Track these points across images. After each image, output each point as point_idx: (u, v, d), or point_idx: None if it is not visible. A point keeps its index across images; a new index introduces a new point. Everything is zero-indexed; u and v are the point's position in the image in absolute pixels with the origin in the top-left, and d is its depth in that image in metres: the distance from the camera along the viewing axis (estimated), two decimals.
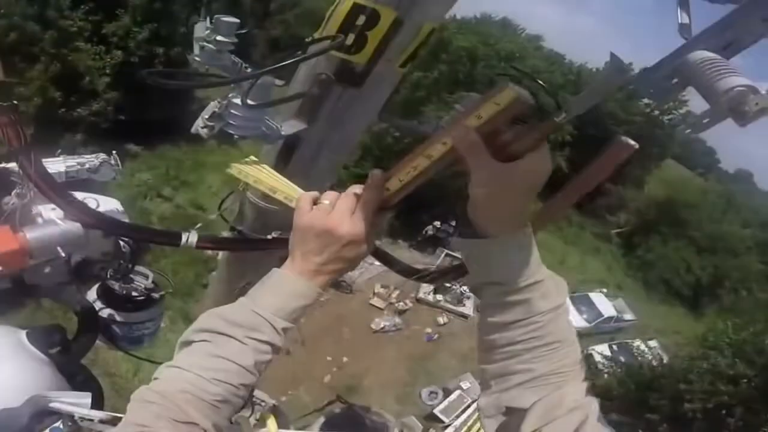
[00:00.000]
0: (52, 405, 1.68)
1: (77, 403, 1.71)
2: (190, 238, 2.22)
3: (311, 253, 1.30)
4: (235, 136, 1.91)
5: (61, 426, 1.68)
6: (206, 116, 1.88)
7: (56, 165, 2.44)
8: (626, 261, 31.51)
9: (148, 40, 21.56)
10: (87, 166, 2.52)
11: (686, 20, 1.41)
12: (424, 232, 24.00)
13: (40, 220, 1.99)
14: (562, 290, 1.24)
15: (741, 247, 32.41)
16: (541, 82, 1.45)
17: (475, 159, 1.09)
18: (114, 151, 2.63)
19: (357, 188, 1.32)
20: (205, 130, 1.91)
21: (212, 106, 1.87)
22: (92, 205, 2.41)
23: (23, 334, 2.02)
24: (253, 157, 1.88)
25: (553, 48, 39.29)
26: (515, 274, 1.17)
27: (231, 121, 1.86)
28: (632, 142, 1.22)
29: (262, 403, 3.95)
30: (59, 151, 2.54)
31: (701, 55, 1.31)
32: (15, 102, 1.63)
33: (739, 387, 13.43)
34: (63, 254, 1.94)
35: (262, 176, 1.86)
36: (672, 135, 35.13)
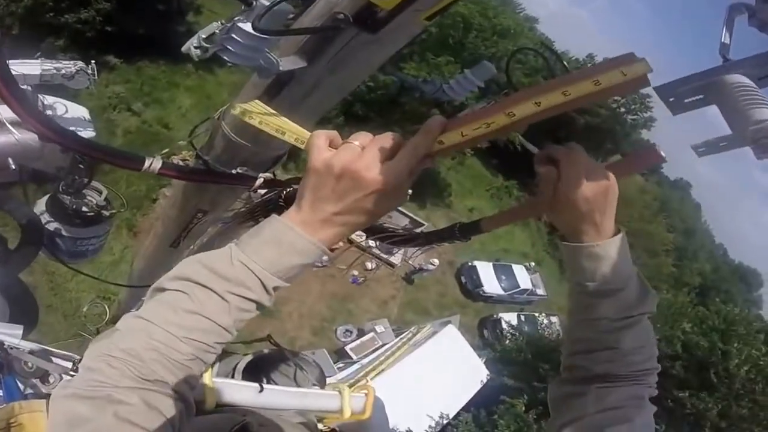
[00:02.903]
0: None
1: (9, 333, 1.52)
2: (154, 164, 2.02)
3: (325, 199, 1.05)
4: (229, 63, 1.66)
5: None
6: (204, 36, 1.62)
7: (32, 67, 2.26)
8: (549, 239, 32.13)
9: None
10: (63, 72, 2.33)
11: (728, 40, 1.32)
12: None
13: None
14: (643, 304, 1.25)
15: (660, 249, 33.73)
16: (565, 63, 1.42)
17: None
18: (93, 61, 2.44)
19: (391, 134, 1.08)
20: (198, 51, 1.63)
21: (213, 27, 1.60)
22: (60, 110, 2.21)
23: None
24: (258, 102, 1.64)
25: (544, 32, 39.89)
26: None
27: (229, 47, 1.59)
28: (664, 154, 1.24)
29: None
30: (39, 53, 2.35)
31: (737, 79, 1.24)
32: None
33: None
34: (14, 166, 1.72)
35: (268, 118, 1.61)
36: (629, 134, 36.08)
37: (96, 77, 2.43)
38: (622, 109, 35.48)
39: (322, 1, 1.67)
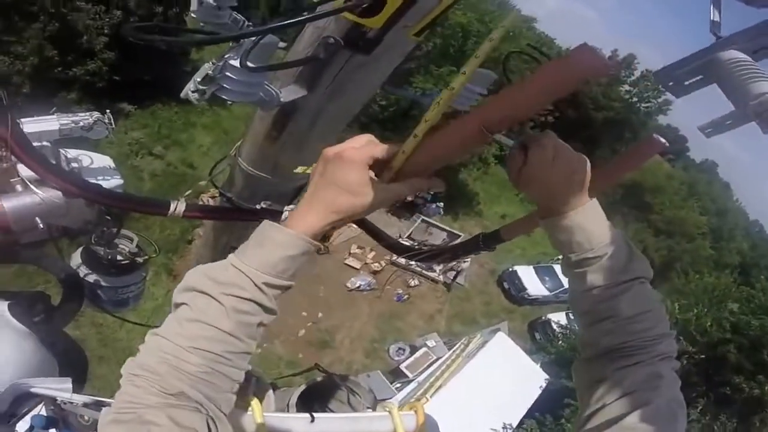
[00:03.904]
0: (33, 390, 1.52)
1: (59, 387, 1.54)
2: (178, 207, 2.03)
3: (310, 185, 1.15)
4: (229, 102, 1.68)
5: (44, 411, 1.54)
6: (198, 79, 1.62)
7: (50, 123, 2.29)
8: None
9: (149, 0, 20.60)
10: (81, 124, 2.38)
11: (717, 18, 1.30)
12: None
13: (19, 187, 1.78)
14: (633, 269, 1.22)
15: (695, 232, 32.80)
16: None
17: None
18: (108, 110, 2.49)
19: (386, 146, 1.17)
20: (196, 94, 1.64)
21: (206, 68, 1.60)
22: (86, 161, 2.25)
23: (5, 305, 1.84)
24: None
25: (545, 31, 40.03)
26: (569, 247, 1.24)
27: (226, 85, 1.59)
28: (662, 140, 1.27)
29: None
30: (54, 109, 2.39)
31: (732, 54, 1.23)
32: None
33: (680, 362, 13.50)
34: (42, 226, 1.74)
35: None
36: (646, 122, 35.56)
37: (113, 125, 2.48)
38: (635, 99, 35.30)
39: (310, 28, 1.67)
